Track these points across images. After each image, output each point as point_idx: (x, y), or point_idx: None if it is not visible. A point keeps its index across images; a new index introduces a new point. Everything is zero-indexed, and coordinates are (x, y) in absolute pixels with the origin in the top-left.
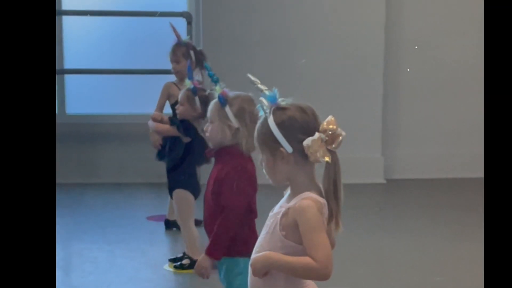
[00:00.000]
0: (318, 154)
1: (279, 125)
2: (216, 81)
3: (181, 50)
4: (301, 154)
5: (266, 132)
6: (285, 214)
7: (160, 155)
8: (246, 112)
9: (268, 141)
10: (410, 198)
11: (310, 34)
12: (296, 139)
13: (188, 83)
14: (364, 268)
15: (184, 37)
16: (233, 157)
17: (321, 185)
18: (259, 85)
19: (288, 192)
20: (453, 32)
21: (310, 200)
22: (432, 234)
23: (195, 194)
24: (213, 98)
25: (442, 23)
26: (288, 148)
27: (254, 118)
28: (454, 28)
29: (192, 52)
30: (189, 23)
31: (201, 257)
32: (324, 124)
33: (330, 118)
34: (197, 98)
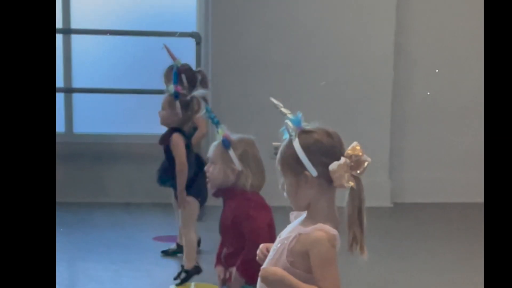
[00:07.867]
0: (343, 179)
1: (305, 148)
2: (217, 123)
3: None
4: (326, 178)
5: (290, 155)
6: (296, 240)
7: (162, 179)
8: (249, 154)
9: (293, 164)
10: (417, 222)
11: (318, 57)
12: (321, 163)
13: (171, 88)
14: None
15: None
16: (238, 195)
17: (338, 212)
18: (282, 109)
19: (301, 217)
20: (462, 57)
21: (323, 232)
22: (439, 258)
23: (202, 200)
24: (195, 103)
25: (451, 48)
26: (313, 171)
27: (256, 159)
28: (463, 52)
29: (183, 76)
30: (198, 43)
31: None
32: (349, 150)
33: (355, 144)
34: (177, 103)
